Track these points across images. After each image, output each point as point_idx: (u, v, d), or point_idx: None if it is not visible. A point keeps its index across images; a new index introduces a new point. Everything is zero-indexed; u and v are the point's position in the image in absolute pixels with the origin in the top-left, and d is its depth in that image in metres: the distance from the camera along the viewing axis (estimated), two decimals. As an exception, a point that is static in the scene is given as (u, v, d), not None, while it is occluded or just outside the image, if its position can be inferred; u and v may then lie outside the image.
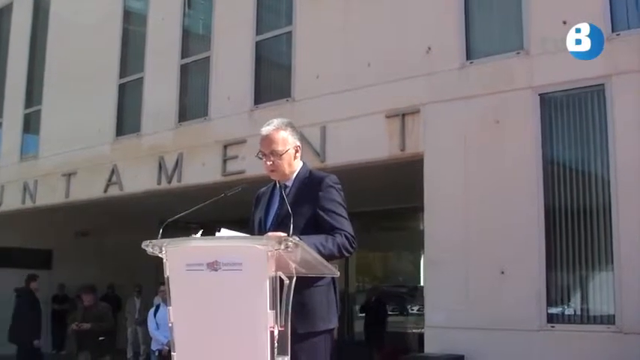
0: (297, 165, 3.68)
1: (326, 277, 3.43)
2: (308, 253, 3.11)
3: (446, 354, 7.66)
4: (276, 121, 3.62)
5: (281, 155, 3.56)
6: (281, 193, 3.57)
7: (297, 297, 3.23)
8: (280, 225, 3.39)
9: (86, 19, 13.64)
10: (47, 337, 16.31)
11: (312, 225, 3.47)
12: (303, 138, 8.99)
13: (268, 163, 3.58)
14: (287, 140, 3.59)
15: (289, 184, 3.63)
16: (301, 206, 3.50)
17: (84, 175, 12.98)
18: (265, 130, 3.59)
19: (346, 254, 3.46)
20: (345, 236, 3.45)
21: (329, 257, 3.31)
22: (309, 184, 3.59)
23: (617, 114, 7.09)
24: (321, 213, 3.49)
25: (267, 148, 3.57)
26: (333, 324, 3.53)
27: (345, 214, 3.54)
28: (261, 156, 3.62)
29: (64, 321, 14.34)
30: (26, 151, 14.89)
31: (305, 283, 3.32)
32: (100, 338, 10.42)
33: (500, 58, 8.04)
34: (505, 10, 8.37)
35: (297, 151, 3.65)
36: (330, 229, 3.46)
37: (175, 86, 11.69)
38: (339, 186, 3.60)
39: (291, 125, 3.65)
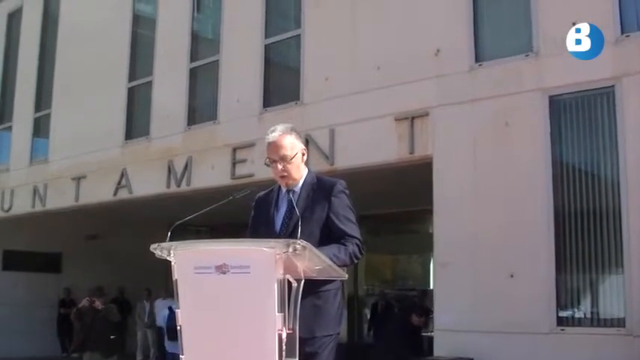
0: (304, 169, 3.70)
1: (337, 281, 3.48)
2: (316, 256, 3.12)
3: (455, 357, 7.64)
4: (280, 127, 3.63)
5: (291, 159, 3.57)
6: (290, 198, 3.59)
7: (314, 301, 3.33)
8: (294, 230, 3.41)
9: (95, 23, 13.67)
10: (55, 341, 16.40)
11: (324, 230, 3.51)
12: (312, 141, 9.14)
13: (279, 168, 3.58)
14: (294, 144, 3.61)
15: (297, 189, 3.64)
16: (313, 211, 3.53)
17: (93, 179, 13.01)
18: (272, 136, 3.59)
19: (356, 261, 3.53)
20: (356, 244, 3.50)
21: (341, 267, 3.36)
22: (319, 189, 3.61)
23: (626, 116, 7.06)
24: (334, 218, 3.52)
25: (276, 154, 3.57)
26: (341, 327, 3.63)
27: (354, 219, 3.59)
28: (269, 162, 3.62)
29: (71, 324, 14.37)
30: (36, 154, 14.90)
31: (320, 288, 3.39)
32: (112, 337, 10.46)
33: (509, 60, 8.01)
34: (514, 11, 8.34)
35: (304, 155, 3.68)
36: (342, 236, 3.49)
37: (184, 90, 11.69)
38: (348, 191, 3.63)
39: (295, 130, 3.67)
